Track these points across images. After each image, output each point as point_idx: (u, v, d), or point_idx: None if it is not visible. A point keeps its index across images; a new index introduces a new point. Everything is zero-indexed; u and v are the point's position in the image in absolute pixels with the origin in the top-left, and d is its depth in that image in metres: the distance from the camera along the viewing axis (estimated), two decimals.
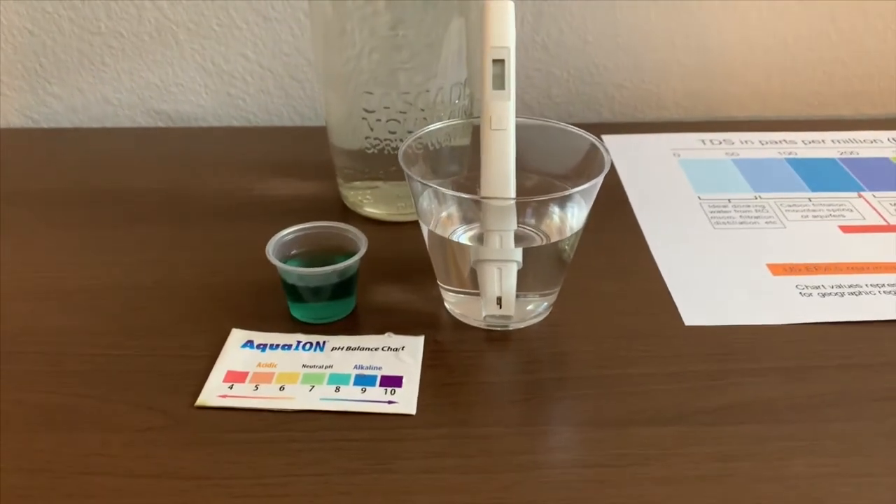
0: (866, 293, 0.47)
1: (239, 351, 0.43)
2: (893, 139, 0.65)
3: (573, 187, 0.42)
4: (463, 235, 0.45)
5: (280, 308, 0.46)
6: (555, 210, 0.45)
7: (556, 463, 0.37)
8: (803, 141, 0.65)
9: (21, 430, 0.38)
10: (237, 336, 0.44)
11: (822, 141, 0.65)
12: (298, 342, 0.43)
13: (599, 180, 0.42)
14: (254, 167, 0.63)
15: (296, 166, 0.63)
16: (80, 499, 0.35)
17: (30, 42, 0.69)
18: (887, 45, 0.70)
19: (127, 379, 0.41)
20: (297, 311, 0.45)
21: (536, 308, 0.45)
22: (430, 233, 0.44)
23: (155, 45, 0.69)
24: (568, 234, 0.44)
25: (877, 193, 0.58)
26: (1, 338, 0.44)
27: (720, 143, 0.65)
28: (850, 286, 0.48)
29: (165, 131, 0.72)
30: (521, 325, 0.45)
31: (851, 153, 0.63)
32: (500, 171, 0.41)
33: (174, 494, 0.35)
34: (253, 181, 0.61)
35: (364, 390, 0.40)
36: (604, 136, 0.66)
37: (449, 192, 0.43)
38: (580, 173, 0.44)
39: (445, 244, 0.44)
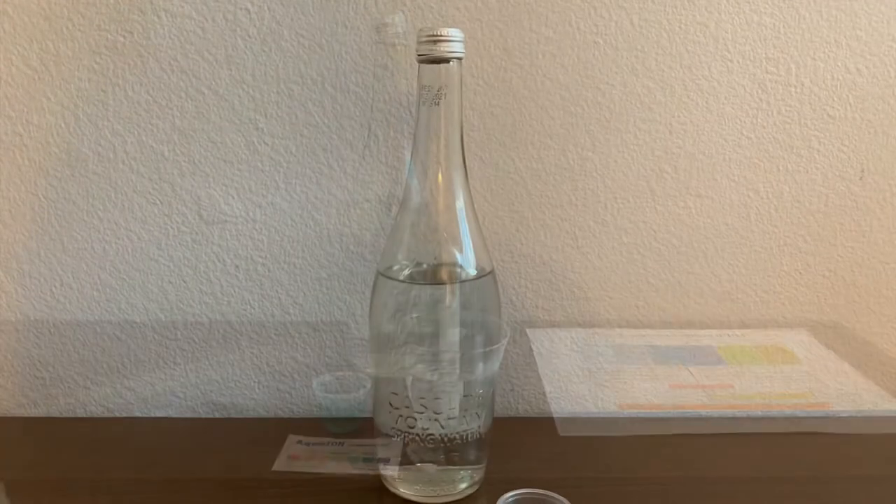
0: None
1: (296, 445, 0.71)
2: (719, 335, 0.91)
3: None
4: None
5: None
6: None
7: None
8: (660, 335, 0.91)
9: None
10: (293, 438, 0.72)
11: (674, 336, 0.90)
12: (329, 441, 0.71)
13: None
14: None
15: None
16: None
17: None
18: (718, 281, 0.85)
19: (234, 463, 0.57)
20: (330, 425, 0.63)
21: None
22: None
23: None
24: None
25: (698, 367, 0.85)
26: None
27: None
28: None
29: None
30: None
31: (691, 343, 0.90)
32: None
33: None
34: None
35: (367, 462, 0.66)
36: None
37: None
38: None
39: None
